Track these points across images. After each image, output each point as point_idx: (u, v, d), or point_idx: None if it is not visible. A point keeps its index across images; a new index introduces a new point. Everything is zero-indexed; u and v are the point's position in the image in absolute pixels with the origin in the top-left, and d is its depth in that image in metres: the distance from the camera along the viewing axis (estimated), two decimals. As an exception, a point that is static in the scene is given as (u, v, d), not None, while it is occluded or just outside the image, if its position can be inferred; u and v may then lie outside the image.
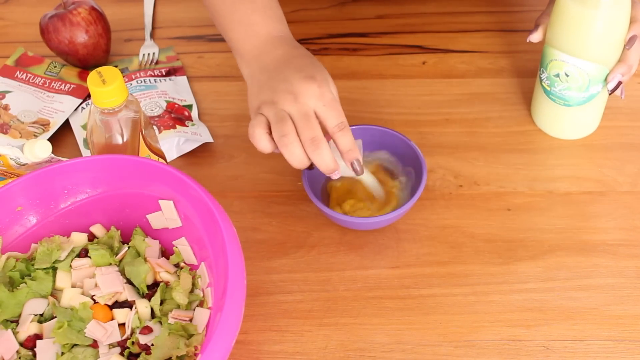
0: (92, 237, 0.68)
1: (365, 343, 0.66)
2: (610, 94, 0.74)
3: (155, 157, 0.71)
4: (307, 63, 0.66)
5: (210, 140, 0.83)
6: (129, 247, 0.66)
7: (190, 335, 0.60)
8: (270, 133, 0.64)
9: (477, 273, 0.71)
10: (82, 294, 0.63)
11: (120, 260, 0.65)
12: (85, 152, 0.83)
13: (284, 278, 0.71)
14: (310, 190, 0.71)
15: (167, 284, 0.64)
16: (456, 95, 0.88)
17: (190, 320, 0.62)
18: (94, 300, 0.62)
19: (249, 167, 0.82)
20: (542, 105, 0.81)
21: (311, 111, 0.63)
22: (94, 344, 0.60)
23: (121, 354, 0.60)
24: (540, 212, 0.75)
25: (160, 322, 0.62)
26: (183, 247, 0.66)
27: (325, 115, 0.63)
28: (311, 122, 0.62)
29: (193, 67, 0.95)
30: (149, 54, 0.94)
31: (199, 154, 0.83)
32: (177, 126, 0.83)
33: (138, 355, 0.60)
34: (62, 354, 0.60)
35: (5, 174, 0.73)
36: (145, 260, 0.65)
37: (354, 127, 0.76)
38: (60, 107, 0.88)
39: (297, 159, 0.63)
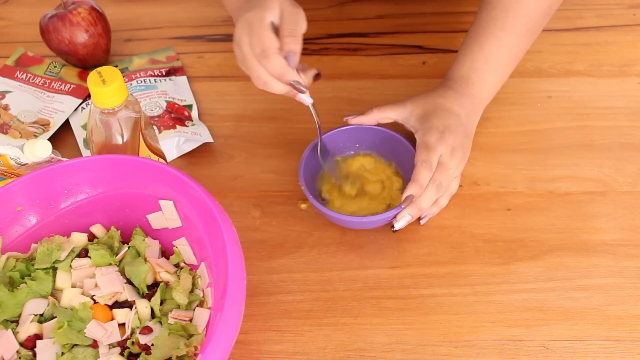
0: (92, 237, 0.68)
1: (365, 343, 0.66)
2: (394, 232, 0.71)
3: (155, 157, 0.71)
4: None
5: (210, 140, 0.83)
6: (129, 247, 0.66)
7: (190, 335, 0.60)
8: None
9: (477, 273, 0.71)
10: (82, 294, 0.63)
11: (120, 260, 0.65)
12: (85, 152, 0.83)
13: (284, 278, 0.71)
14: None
15: (167, 284, 0.64)
16: (456, 95, 0.88)
17: (190, 320, 0.62)
18: (94, 300, 0.62)
19: (249, 167, 0.82)
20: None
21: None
22: (94, 344, 0.60)
23: (121, 354, 0.60)
24: (540, 212, 0.75)
25: (160, 322, 0.62)
26: (183, 247, 0.66)
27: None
28: (261, 36, 0.66)
29: (193, 67, 0.95)
30: None
31: (199, 154, 0.83)
32: (177, 126, 0.83)
33: (138, 355, 0.60)
34: (62, 354, 0.60)
35: (5, 174, 0.73)
36: (145, 260, 0.65)
37: (351, 127, 0.77)
38: (60, 107, 0.88)
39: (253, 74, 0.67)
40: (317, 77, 0.70)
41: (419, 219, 0.74)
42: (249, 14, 0.67)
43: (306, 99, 0.69)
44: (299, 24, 0.67)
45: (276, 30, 0.67)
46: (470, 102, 0.77)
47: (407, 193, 0.69)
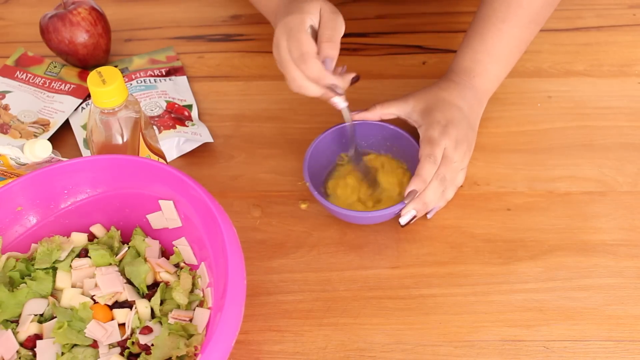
0: (92, 237, 0.68)
1: (365, 343, 0.66)
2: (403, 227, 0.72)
3: (155, 157, 0.71)
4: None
5: (210, 140, 0.83)
6: (129, 247, 0.66)
7: (190, 335, 0.60)
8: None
9: (477, 273, 0.71)
10: (82, 294, 0.63)
11: (120, 260, 0.65)
12: (85, 152, 0.83)
13: (284, 278, 0.71)
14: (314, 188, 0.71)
15: (167, 284, 0.64)
16: (456, 95, 0.88)
17: (190, 320, 0.62)
18: (94, 300, 0.62)
19: (249, 167, 0.82)
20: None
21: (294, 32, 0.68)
22: (94, 344, 0.60)
23: (121, 354, 0.60)
24: (540, 212, 0.75)
25: (160, 322, 0.62)
26: (183, 247, 0.66)
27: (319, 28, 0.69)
28: (299, 41, 0.67)
29: (193, 67, 0.95)
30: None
31: (199, 154, 0.83)
32: (177, 126, 0.83)
33: (138, 355, 0.60)
34: (62, 354, 0.60)
35: (5, 174, 0.73)
36: (145, 260, 0.65)
37: (360, 122, 0.77)
38: (60, 107, 0.88)
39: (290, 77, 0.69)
40: (355, 79, 0.71)
41: (426, 214, 0.74)
42: (288, 17, 0.68)
43: (340, 102, 0.70)
44: (337, 30, 0.68)
45: (315, 34, 0.68)
46: (472, 94, 0.77)
47: (410, 188, 0.69)
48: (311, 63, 0.67)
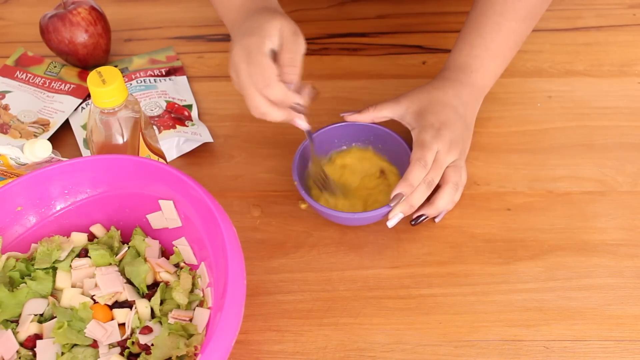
0: (92, 237, 0.68)
1: (365, 343, 0.66)
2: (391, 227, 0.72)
3: (155, 157, 0.71)
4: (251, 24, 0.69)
5: (210, 140, 0.83)
6: (129, 247, 0.66)
7: (190, 335, 0.60)
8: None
9: (477, 273, 0.71)
10: (82, 294, 0.63)
11: (120, 260, 0.65)
12: (85, 152, 0.83)
13: (284, 278, 0.71)
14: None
15: (167, 284, 0.64)
16: (456, 95, 0.88)
17: (190, 320, 0.62)
18: (94, 300, 0.62)
19: (249, 167, 0.82)
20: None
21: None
22: (94, 344, 0.60)
23: (121, 354, 0.60)
24: (540, 212, 0.75)
25: (160, 322, 0.62)
26: (183, 247, 0.66)
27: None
28: (261, 66, 0.65)
29: (193, 67, 0.95)
30: None
31: (199, 154, 0.83)
32: (177, 126, 0.83)
33: (138, 355, 0.60)
34: (62, 354, 0.60)
35: (5, 174, 0.73)
36: (145, 260, 0.65)
37: (345, 124, 0.77)
38: (60, 107, 0.88)
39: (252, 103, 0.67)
40: (315, 94, 0.70)
41: (434, 218, 0.74)
42: (247, 40, 0.66)
43: (303, 124, 0.70)
44: (298, 52, 0.67)
45: (275, 56, 0.67)
46: (469, 91, 0.77)
47: (396, 191, 0.69)
48: (275, 87, 0.65)
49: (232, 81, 0.69)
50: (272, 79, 0.65)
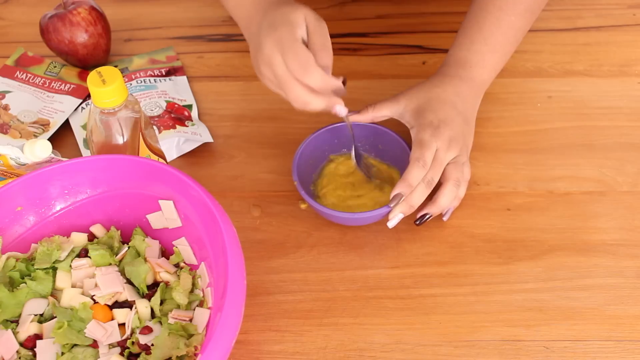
0: (92, 237, 0.68)
1: (365, 343, 0.66)
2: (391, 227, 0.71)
3: (155, 157, 0.71)
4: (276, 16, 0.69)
5: (210, 140, 0.83)
6: (129, 247, 0.66)
7: (190, 335, 0.60)
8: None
9: (477, 273, 0.71)
10: (82, 294, 0.63)
11: (120, 260, 0.65)
12: (85, 152, 0.83)
13: (284, 278, 0.71)
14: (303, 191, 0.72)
15: (167, 284, 0.64)
16: (456, 95, 0.88)
17: (190, 320, 0.62)
18: (94, 300, 0.62)
19: (249, 167, 0.82)
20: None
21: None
22: (94, 344, 0.60)
23: (121, 354, 0.60)
24: (540, 212, 0.75)
25: (160, 322, 0.62)
26: (183, 247, 0.66)
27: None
28: (297, 53, 0.66)
29: (193, 67, 0.95)
30: None
31: (199, 154, 0.83)
32: (177, 126, 0.83)
33: (138, 355, 0.60)
34: (62, 354, 0.60)
35: (5, 174, 0.73)
36: (145, 260, 0.65)
37: (344, 124, 0.77)
38: (60, 107, 0.88)
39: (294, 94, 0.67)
40: (344, 82, 0.70)
41: (442, 216, 0.74)
42: (277, 32, 0.66)
43: (342, 109, 0.70)
44: (327, 36, 0.68)
45: (305, 44, 0.67)
46: (468, 86, 0.77)
47: (395, 192, 0.69)
48: (314, 71, 0.65)
49: (262, 80, 0.69)
50: (311, 64, 0.65)
